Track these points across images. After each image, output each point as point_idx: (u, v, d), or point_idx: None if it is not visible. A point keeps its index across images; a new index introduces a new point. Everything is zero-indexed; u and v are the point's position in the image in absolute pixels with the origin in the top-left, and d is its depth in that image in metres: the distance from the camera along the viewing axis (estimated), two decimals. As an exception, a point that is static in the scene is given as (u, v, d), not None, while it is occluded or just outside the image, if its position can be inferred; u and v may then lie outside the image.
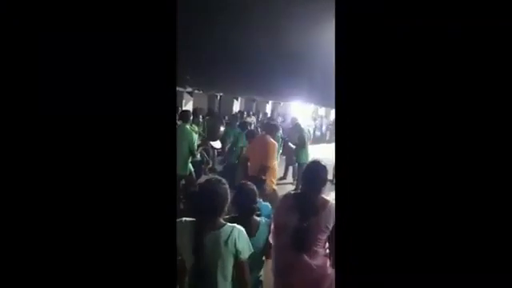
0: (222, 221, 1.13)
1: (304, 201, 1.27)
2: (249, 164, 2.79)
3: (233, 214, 1.47)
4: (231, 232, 1.09)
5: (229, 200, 1.13)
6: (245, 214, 1.42)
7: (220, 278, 1.08)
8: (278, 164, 4.92)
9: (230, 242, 1.07)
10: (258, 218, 1.45)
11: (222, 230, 1.09)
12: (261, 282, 1.51)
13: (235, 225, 1.13)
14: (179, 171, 3.16)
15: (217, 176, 1.18)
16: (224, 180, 1.16)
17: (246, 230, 1.36)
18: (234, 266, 1.12)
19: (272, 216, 1.49)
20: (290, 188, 4.67)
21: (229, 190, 1.14)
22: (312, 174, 1.31)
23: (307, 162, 4.27)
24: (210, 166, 4.83)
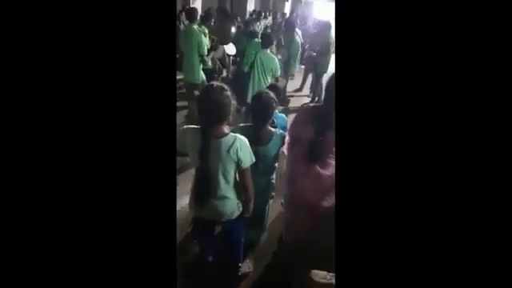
0: (225, 130, 1.14)
1: (321, 114, 1.20)
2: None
3: (247, 123, 1.44)
4: (233, 142, 1.12)
5: (232, 108, 1.11)
6: (259, 124, 1.41)
7: (222, 181, 1.18)
8: (295, 74, 4.58)
9: (231, 151, 1.11)
10: (272, 129, 1.44)
11: (224, 139, 1.11)
12: (273, 184, 1.63)
13: (237, 135, 1.15)
14: (189, 79, 2.98)
15: (220, 83, 1.12)
16: (227, 87, 1.11)
17: (258, 140, 1.38)
18: (237, 173, 1.20)
19: (288, 128, 1.46)
20: (305, 100, 4.49)
21: (232, 98, 1.11)
22: (332, 87, 1.17)
23: (325, 72, 3.94)
24: (224, 74, 4.55)
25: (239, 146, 1.12)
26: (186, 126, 1.17)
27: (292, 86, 4.73)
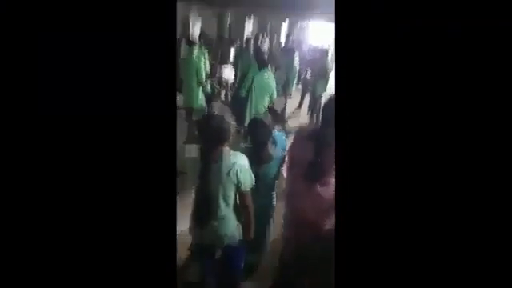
0: (225, 151, 1.15)
1: (319, 134, 1.22)
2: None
3: (247, 145, 1.48)
4: (233, 164, 1.12)
5: (232, 130, 1.15)
6: (258, 146, 1.44)
7: (222, 204, 1.17)
8: (293, 94, 4.70)
9: (231, 173, 1.12)
10: (272, 149, 1.47)
11: (224, 161, 1.12)
12: (273, 205, 1.63)
13: (238, 156, 1.16)
14: (191, 104, 3.09)
15: (220, 106, 1.17)
16: (227, 108, 1.15)
17: (258, 160, 1.40)
18: (237, 195, 1.19)
19: (287, 148, 1.49)
20: (304, 120, 4.56)
21: (232, 119, 1.15)
22: (331, 110, 1.21)
23: (323, 93, 4.04)
24: (222, 97, 4.68)
25: (239, 168, 1.12)
26: (186, 145, 1.20)
27: (290, 104, 4.84)
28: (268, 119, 1.49)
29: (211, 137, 1.11)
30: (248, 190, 1.19)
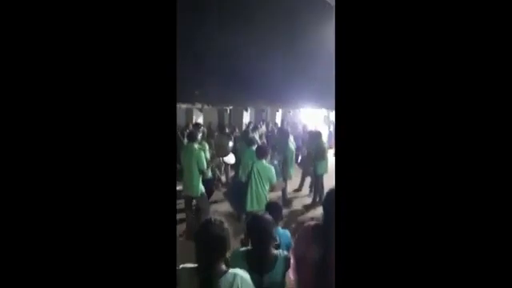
0: (223, 267, 1.07)
1: (324, 233, 1.15)
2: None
3: (247, 247, 1.34)
4: (234, 279, 1.05)
5: (229, 241, 1.07)
6: (260, 248, 1.31)
7: None
8: (293, 174, 4.74)
9: None
10: (275, 251, 1.33)
11: (224, 277, 1.04)
12: None
13: (237, 271, 1.07)
14: (190, 193, 3.06)
15: (219, 218, 1.13)
16: (224, 220, 1.11)
17: (261, 265, 1.26)
18: None
19: (291, 249, 1.36)
20: (306, 200, 4.44)
21: (229, 230, 1.09)
22: (333, 204, 1.17)
23: (325, 173, 4.07)
24: (223, 182, 4.71)
25: (240, 283, 1.04)
26: (182, 266, 1.10)
27: (290, 186, 4.80)
28: (269, 216, 1.38)
29: (210, 247, 1.05)
30: None
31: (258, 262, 1.26)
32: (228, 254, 1.08)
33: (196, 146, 3.11)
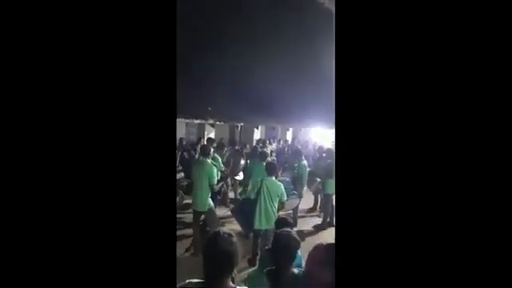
0: (231, 283, 1.03)
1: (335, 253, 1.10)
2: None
3: (269, 267, 1.31)
4: None
5: (237, 255, 1.03)
6: (284, 266, 1.27)
7: None
8: (305, 193, 4.66)
9: None
10: (295, 270, 1.30)
11: None
12: None
13: None
14: (197, 206, 3.05)
15: (228, 231, 1.09)
16: (233, 233, 1.07)
17: (281, 285, 1.22)
18: None
19: (304, 269, 1.32)
20: (318, 220, 4.33)
21: (238, 245, 1.04)
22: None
23: (333, 193, 3.97)
24: (231, 197, 4.68)
25: None
26: (188, 280, 1.06)
27: (301, 205, 4.71)
28: (295, 234, 1.35)
29: (219, 261, 1.00)
30: None
31: (278, 281, 1.22)
32: (235, 271, 1.04)
33: (209, 160, 3.14)
